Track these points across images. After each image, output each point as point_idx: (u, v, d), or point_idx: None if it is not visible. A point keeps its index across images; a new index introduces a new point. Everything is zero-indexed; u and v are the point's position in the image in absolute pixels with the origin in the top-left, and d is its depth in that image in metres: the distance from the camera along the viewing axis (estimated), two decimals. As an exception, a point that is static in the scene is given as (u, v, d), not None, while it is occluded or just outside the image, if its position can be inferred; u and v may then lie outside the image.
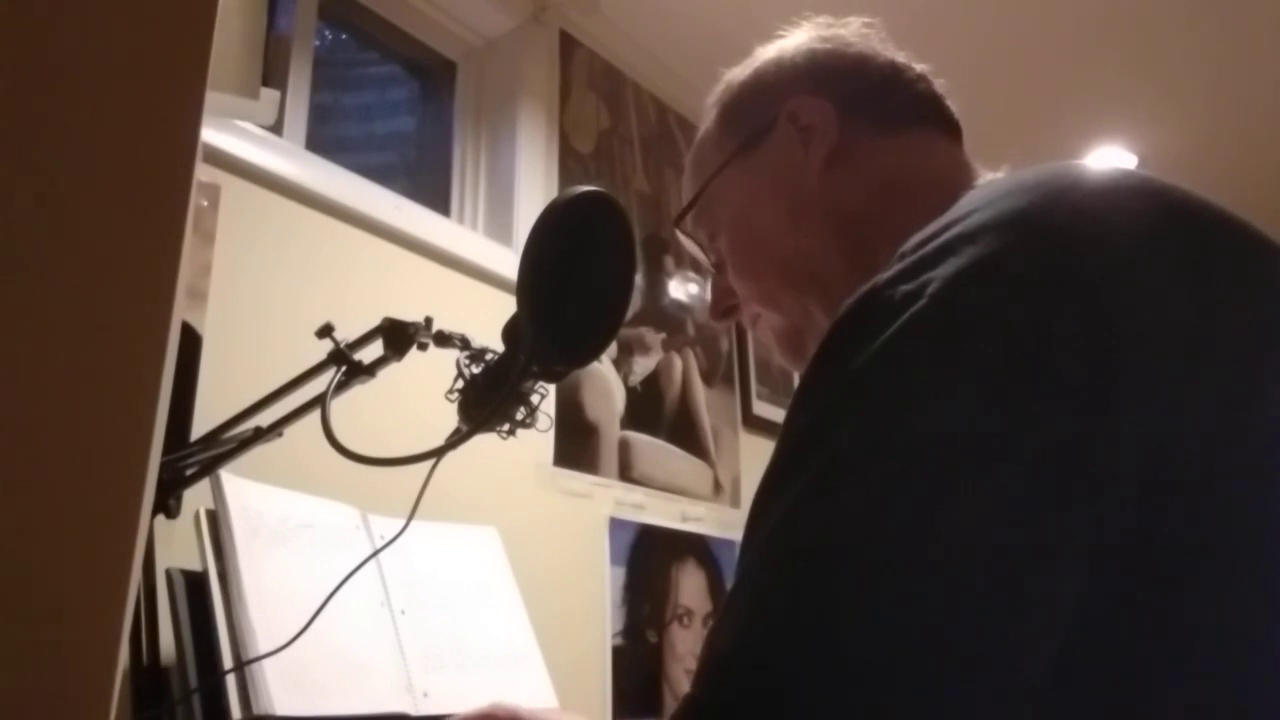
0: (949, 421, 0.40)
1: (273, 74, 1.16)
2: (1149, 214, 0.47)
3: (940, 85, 0.74)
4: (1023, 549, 0.38)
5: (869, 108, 0.71)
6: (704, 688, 0.40)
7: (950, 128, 0.73)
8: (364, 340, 0.84)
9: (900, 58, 0.74)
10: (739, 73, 0.78)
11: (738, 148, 0.75)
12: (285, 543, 0.96)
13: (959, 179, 0.66)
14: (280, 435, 0.88)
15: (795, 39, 0.76)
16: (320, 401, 0.77)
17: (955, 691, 0.36)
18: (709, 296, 0.81)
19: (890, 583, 0.37)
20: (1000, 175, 0.66)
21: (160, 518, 0.92)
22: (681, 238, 0.82)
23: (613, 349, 1.88)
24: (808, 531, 0.40)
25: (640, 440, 1.90)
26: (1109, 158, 2.56)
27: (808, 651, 0.37)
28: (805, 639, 0.37)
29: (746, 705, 0.38)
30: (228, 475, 0.94)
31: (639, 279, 1.98)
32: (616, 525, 1.77)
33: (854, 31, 0.75)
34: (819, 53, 0.74)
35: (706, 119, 0.79)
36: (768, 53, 0.77)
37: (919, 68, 0.74)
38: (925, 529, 0.38)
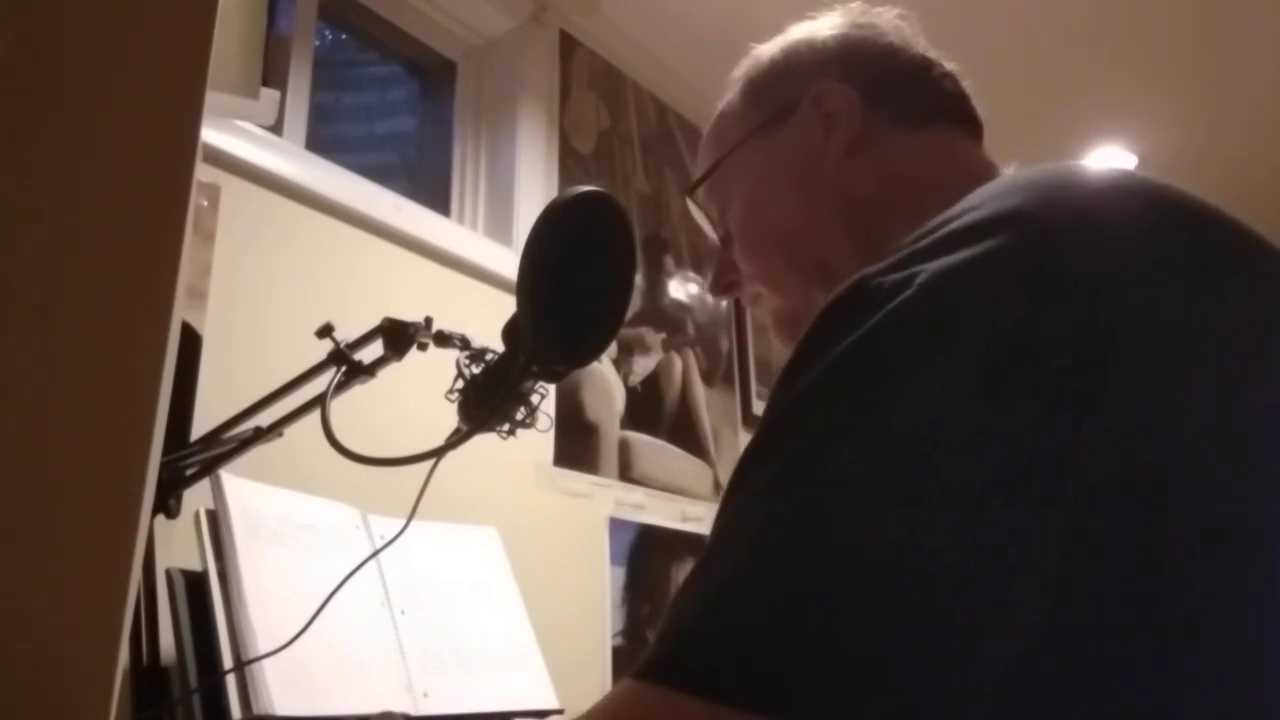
0: (927, 413, 0.40)
1: (273, 74, 1.16)
2: (1145, 214, 0.47)
3: (968, 86, 0.74)
4: (988, 544, 0.38)
5: (894, 100, 0.70)
6: (663, 650, 0.40)
7: (973, 128, 0.73)
8: (364, 340, 0.84)
9: (931, 53, 0.74)
10: (769, 49, 0.77)
11: (759, 124, 0.74)
12: (285, 543, 0.96)
13: (975, 177, 0.66)
14: (280, 435, 0.88)
15: (830, 21, 0.76)
16: (320, 401, 0.77)
17: (913, 680, 0.36)
18: (712, 271, 0.80)
19: (856, 572, 0.38)
20: (1007, 173, 0.66)
21: (160, 518, 0.92)
22: (691, 209, 0.81)
23: (613, 349, 1.88)
24: (776, 516, 0.40)
25: (640, 440, 1.90)
26: (1109, 158, 2.56)
27: (768, 623, 0.37)
28: (768, 611, 0.37)
29: (701, 672, 0.38)
30: (228, 475, 0.94)
31: (639, 279, 1.98)
32: (616, 525, 1.77)
33: (887, 22, 0.75)
34: (852, 39, 0.73)
35: (730, 91, 0.79)
36: (799, 32, 0.76)
37: (948, 65, 0.74)
38: (894, 520, 0.38)
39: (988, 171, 0.69)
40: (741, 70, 0.78)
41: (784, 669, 0.36)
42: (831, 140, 0.70)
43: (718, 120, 0.79)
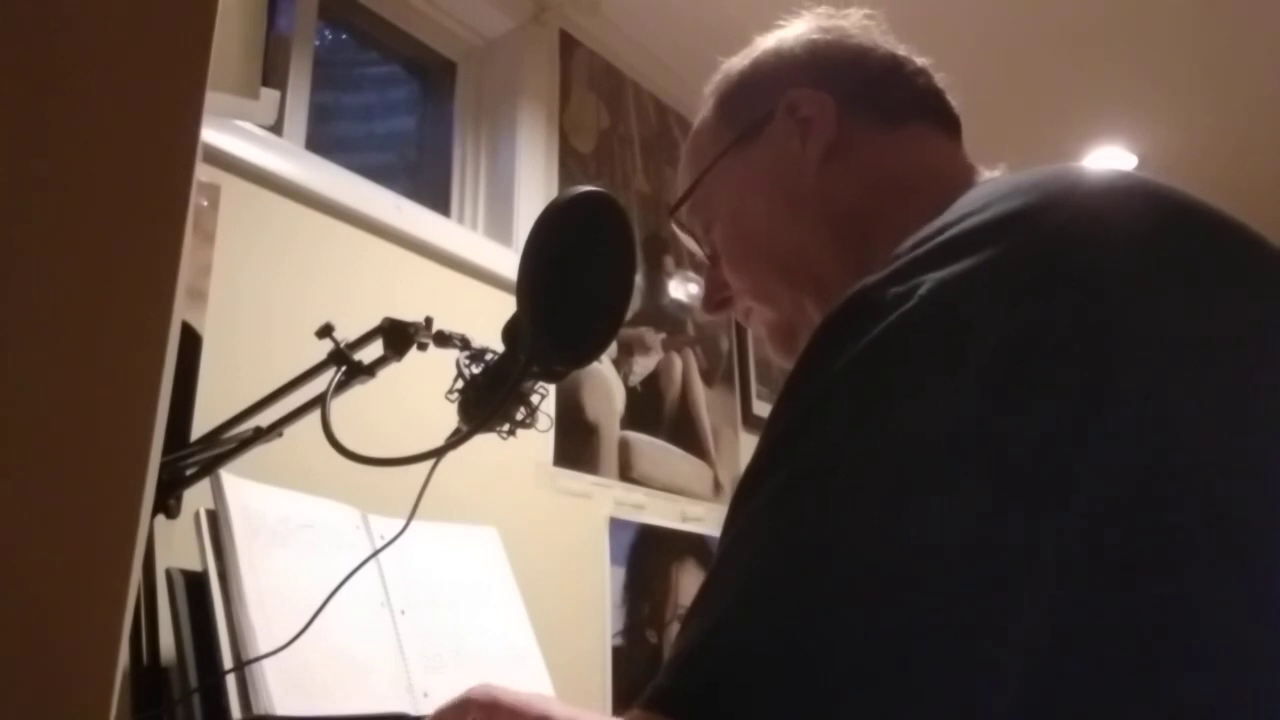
0: (930, 421, 0.40)
1: (273, 74, 1.16)
2: (1147, 216, 0.47)
3: (941, 80, 0.73)
4: (995, 549, 0.38)
5: (868, 101, 0.70)
6: (672, 676, 0.39)
7: (950, 123, 0.72)
8: (364, 340, 0.84)
9: (901, 50, 0.73)
10: (738, 62, 0.77)
11: (734, 139, 0.74)
12: (285, 543, 0.96)
13: (957, 176, 0.66)
14: (280, 435, 0.88)
15: (795, 29, 0.75)
16: (320, 401, 0.77)
17: (927, 688, 0.36)
18: (703, 290, 0.80)
19: (864, 582, 0.37)
20: (998, 174, 0.66)
21: (160, 518, 0.92)
22: (676, 230, 0.81)
23: (613, 349, 1.88)
24: (783, 529, 0.40)
25: (640, 440, 1.90)
26: (1109, 158, 2.56)
27: (778, 646, 0.37)
28: (776, 634, 0.37)
29: (712, 696, 0.37)
30: (228, 475, 0.94)
31: (639, 279, 1.98)
32: (616, 525, 1.77)
33: (855, 23, 0.74)
34: (819, 44, 0.73)
35: (704, 108, 0.78)
36: (767, 42, 0.76)
37: (920, 61, 0.73)
38: (900, 529, 0.38)
39: (966, 171, 0.68)
40: (712, 86, 0.78)
41: (788, 696, 0.36)
42: (809, 147, 0.69)
43: (694, 138, 0.79)
